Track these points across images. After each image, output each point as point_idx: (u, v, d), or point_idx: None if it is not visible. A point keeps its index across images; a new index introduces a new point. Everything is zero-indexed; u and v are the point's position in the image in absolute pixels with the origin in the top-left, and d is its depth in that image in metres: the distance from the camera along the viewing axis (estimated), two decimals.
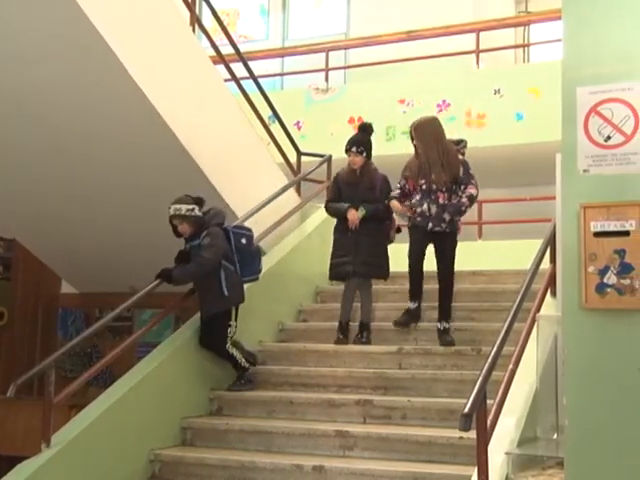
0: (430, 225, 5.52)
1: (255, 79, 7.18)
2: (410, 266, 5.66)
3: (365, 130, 6.14)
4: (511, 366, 3.80)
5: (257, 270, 5.50)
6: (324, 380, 5.38)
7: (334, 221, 6.22)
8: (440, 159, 5.56)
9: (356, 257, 5.78)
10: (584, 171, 2.82)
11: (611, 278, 2.73)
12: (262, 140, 7.08)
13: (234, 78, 6.82)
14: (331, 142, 9.08)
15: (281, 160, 7.32)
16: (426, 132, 5.66)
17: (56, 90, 5.24)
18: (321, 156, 7.54)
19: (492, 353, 3.65)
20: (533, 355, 4.09)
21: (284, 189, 6.67)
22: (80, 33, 4.77)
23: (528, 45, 11.35)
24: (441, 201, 5.53)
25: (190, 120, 5.80)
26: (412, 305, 5.74)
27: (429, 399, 4.92)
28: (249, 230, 5.50)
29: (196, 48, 6.18)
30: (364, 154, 5.99)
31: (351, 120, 9.61)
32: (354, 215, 5.84)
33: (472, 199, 5.58)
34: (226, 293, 5.19)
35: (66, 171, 6.06)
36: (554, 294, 4.76)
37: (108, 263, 7.21)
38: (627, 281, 2.71)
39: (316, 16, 12.48)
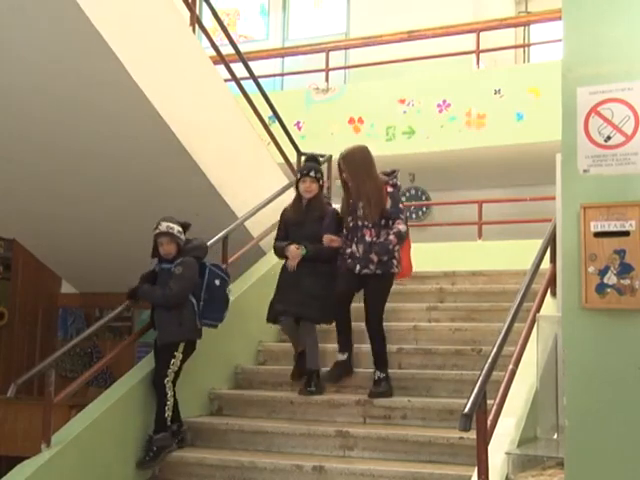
0: (358, 267, 5.05)
1: (255, 79, 7.17)
2: (337, 312, 5.19)
3: (315, 160, 5.62)
4: (511, 366, 3.80)
5: (219, 318, 5.04)
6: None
7: None
8: (367, 193, 5.08)
9: (292, 296, 5.22)
10: (584, 171, 2.81)
11: (611, 278, 2.73)
12: (262, 140, 7.08)
13: (234, 78, 6.82)
14: (331, 142, 9.10)
15: (281, 160, 7.32)
16: (357, 163, 5.17)
17: (53, 90, 5.23)
18: (321, 156, 7.53)
19: (492, 353, 3.65)
20: (533, 355, 4.08)
21: (284, 189, 6.67)
22: (79, 33, 4.77)
23: (528, 45, 11.37)
24: (368, 239, 5.05)
25: (190, 120, 5.80)
26: (341, 357, 5.22)
27: (429, 399, 4.93)
28: (227, 274, 5.15)
29: (196, 48, 6.17)
30: (320, 182, 5.47)
31: (351, 120, 9.62)
32: (293, 253, 5.30)
33: (400, 236, 5.05)
34: (191, 326, 4.87)
35: (64, 171, 6.06)
36: (554, 294, 4.76)
37: (108, 263, 7.22)
38: (627, 281, 2.71)
39: (316, 16, 12.49)
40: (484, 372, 3.49)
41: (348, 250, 5.12)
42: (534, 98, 8.74)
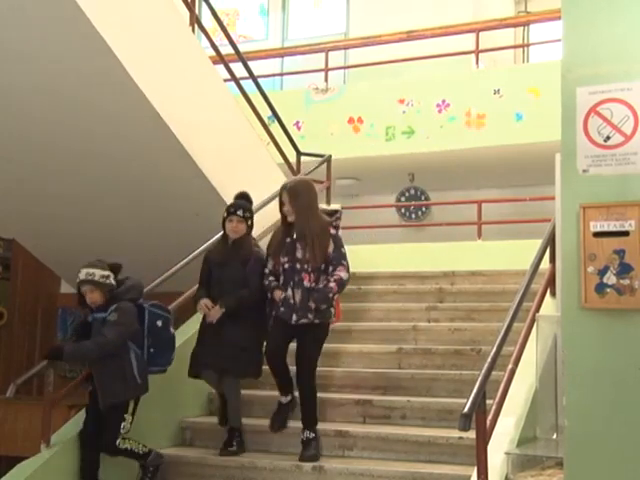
0: (294, 317, 4.52)
1: (255, 79, 7.18)
2: (270, 366, 4.68)
3: (246, 198, 5.10)
4: (510, 366, 3.80)
5: (167, 362, 4.58)
6: (323, 380, 5.36)
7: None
8: (312, 233, 4.58)
9: (214, 348, 4.71)
10: (584, 171, 2.82)
11: (610, 278, 2.73)
12: (262, 140, 7.08)
13: (234, 78, 6.82)
14: (331, 142, 9.11)
15: (281, 160, 7.32)
16: (303, 198, 4.65)
17: (53, 90, 5.23)
18: (321, 156, 7.54)
19: (492, 353, 3.65)
20: (533, 355, 4.09)
21: None
22: (79, 33, 4.77)
23: (528, 45, 11.36)
24: (306, 284, 4.52)
25: (190, 120, 5.79)
26: (284, 399, 4.77)
27: (428, 399, 4.93)
28: (168, 312, 4.66)
29: (196, 48, 6.17)
30: (249, 222, 4.97)
31: (351, 120, 9.62)
32: (211, 314, 4.78)
33: (342, 285, 4.56)
34: (138, 380, 4.36)
35: (64, 171, 6.05)
36: (554, 294, 4.76)
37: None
38: (626, 281, 2.71)
39: (316, 16, 12.49)
40: (483, 372, 3.49)
41: (282, 295, 4.57)
42: (534, 98, 8.74)
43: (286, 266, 4.61)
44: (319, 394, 5.08)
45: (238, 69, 6.98)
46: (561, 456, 3.14)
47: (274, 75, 11.48)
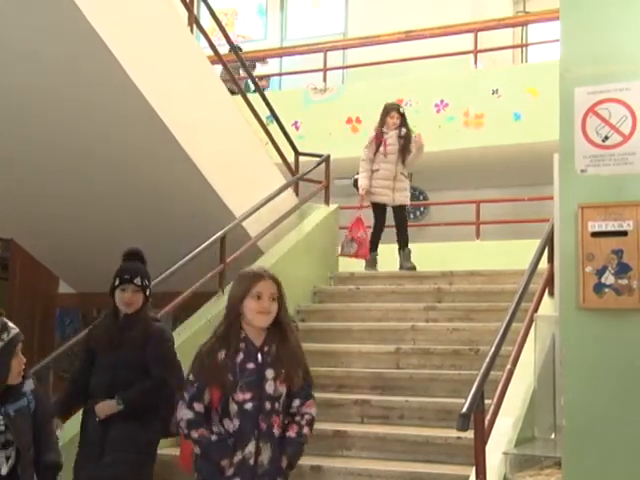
0: None
1: (253, 79, 7.18)
2: None
3: (140, 258, 4.11)
4: (509, 366, 3.80)
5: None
6: (322, 380, 5.36)
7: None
8: (290, 348, 3.08)
9: (97, 457, 3.75)
10: (582, 171, 2.81)
11: (609, 278, 2.73)
12: (260, 140, 7.08)
13: (232, 78, 6.82)
14: (329, 142, 9.10)
15: (279, 160, 7.32)
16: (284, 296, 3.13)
17: (52, 90, 5.23)
18: (319, 156, 7.54)
19: (490, 353, 3.65)
20: (531, 355, 4.09)
21: (282, 189, 6.67)
22: (77, 33, 4.77)
23: (526, 45, 11.38)
24: (276, 431, 3.00)
25: (188, 120, 5.79)
26: None
27: (427, 399, 4.92)
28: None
29: (194, 48, 6.17)
30: (147, 292, 3.98)
31: (349, 120, 9.62)
32: (103, 405, 3.78)
33: (312, 425, 3.14)
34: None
35: (63, 171, 6.06)
36: (552, 294, 4.75)
37: (106, 263, 7.14)
38: (625, 281, 2.71)
39: (314, 16, 12.49)
40: (482, 372, 3.49)
41: (238, 457, 2.93)
42: (532, 98, 8.74)
43: (247, 406, 2.94)
44: (318, 394, 5.06)
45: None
46: (559, 456, 3.14)
47: (272, 75, 11.49)
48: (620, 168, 2.77)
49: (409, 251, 7.02)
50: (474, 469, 3.39)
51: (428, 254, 7.42)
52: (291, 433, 3.04)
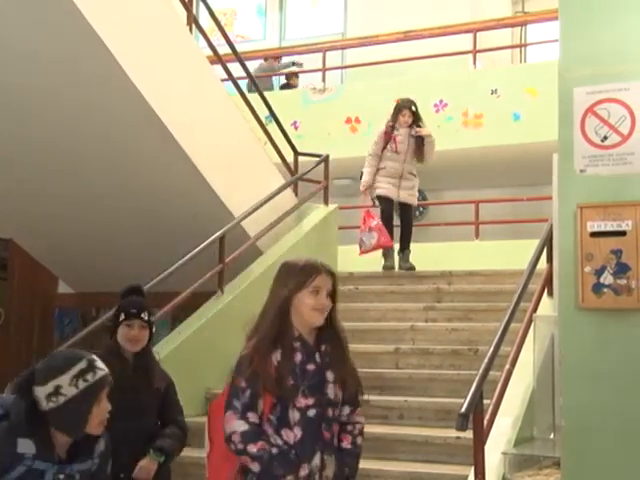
0: None
1: (252, 79, 7.18)
2: None
3: (141, 292, 3.74)
4: (508, 366, 3.80)
5: None
6: None
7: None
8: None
9: None
10: (581, 171, 2.82)
11: (607, 278, 2.73)
12: (259, 140, 7.08)
13: (231, 78, 6.82)
14: (328, 142, 9.10)
15: (278, 160, 7.32)
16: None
17: (51, 90, 5.23)
18: (318, 156, 7.54)
19: (489, 353, 3.65)
20: (530, 355, 4.09)
21: (281, 189, 6.67)
22: (76, 33, 4.77)
23: (525, 45, 11.38)
24: (336, 443, 2.72)
25: (187, 120, 5.79)
26: None
27: (426, 399, 4.92)
28: None
29: (193, 48, 6.17)
30: (153, 328, 3.64)
31: (348, 120, 9.62)
32: (145, 466, 3.45)
33: (363, 436, 2.85)
34: None
35: (63, 171, 6.05)
36: (551, 294, 4.76)
37: (105, 263, 7.21)
38: (623, 281, 2.71)
39: (313, 16, 12.49)
40: (481, 372, 3.49)
41: (304, 469, 2.58)
42: (531, 98, 8.74)
43: (310, 413, 2.63)
44: None
45: (235, 69, 6.98)
46: (558, 456, 3.15)
47: (272, 75, 11.49)
48: (619, 168, 2.77)
49: (409, 252, 7.00)
50: (473, 469, 3.39)
51: (427, 254, 7.41)
52: (346, 444, 2.74)
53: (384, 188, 6.89)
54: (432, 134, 6.98)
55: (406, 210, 7.05)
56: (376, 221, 6.88)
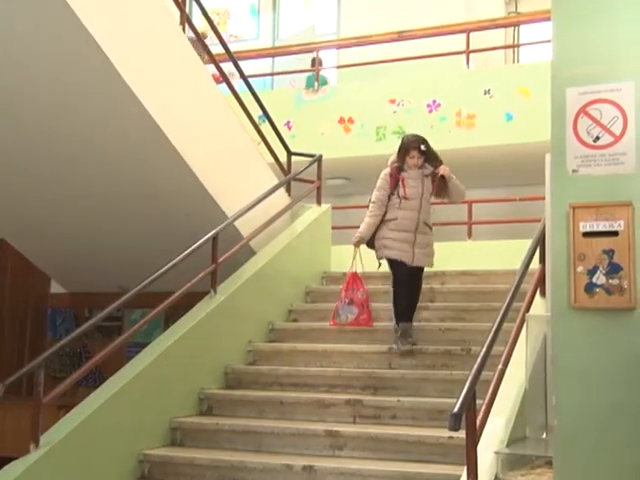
0: None
1: (245, 79, 7.17)
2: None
3: None
4: (500, 366, 3.81)
5: None
6: (314, 380, 5.38)
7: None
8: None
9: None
10: (573, 171, 2.82)
11: (600, 278, 2.74)
12: (252, 140, 7.07)
13: (224, 78, 6.81)
14: (321, 142, 9.10)
15: (271, 160, 7.31)
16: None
17: (44, 92, 5.21)
18: (311, 156, 7.54)
19: (481, 353, 3.66)
20: (522, 355, 4.09)
21: (274, 189, 6.67)
22: (70, 34, 4.75)
23: (518, 46, 11.40)
24: None
25: (181, 120, 5.78)
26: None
27: (419, 399, 4.93)
28: None
29: (186, 48, 6.16)
30: None
31: (341, 120, 9.61)
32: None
33: None
34: None
35: (55, 172, 6.03)
36: (543, 294, 4.76)
37: (98, 263, 7.20)
38: (616, 281, 2.72)
39: (306, 16, 12.48)
40: (473, 372, 3.49)
41: None
42: (524, 98, 8.75)
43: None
44: (310, 394, 5.10)
45: (229, 69, 6.97)
46: (550, 455, 3.15)
47: (265, 75, 11.48)
48: (611, 168, 2.78)
49: (411, 326, 5.55)
50: (465, 469, 3.40)
51: None
52: None
53: (396, 249, 5.51)
54: (452, 174, 5.71)
55: (418, 273, 5.64)
56: (363, 294, 5.64)
